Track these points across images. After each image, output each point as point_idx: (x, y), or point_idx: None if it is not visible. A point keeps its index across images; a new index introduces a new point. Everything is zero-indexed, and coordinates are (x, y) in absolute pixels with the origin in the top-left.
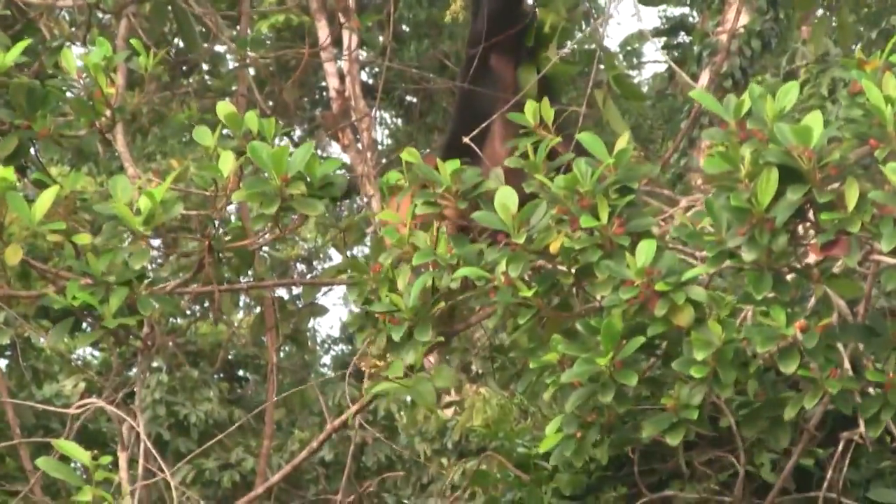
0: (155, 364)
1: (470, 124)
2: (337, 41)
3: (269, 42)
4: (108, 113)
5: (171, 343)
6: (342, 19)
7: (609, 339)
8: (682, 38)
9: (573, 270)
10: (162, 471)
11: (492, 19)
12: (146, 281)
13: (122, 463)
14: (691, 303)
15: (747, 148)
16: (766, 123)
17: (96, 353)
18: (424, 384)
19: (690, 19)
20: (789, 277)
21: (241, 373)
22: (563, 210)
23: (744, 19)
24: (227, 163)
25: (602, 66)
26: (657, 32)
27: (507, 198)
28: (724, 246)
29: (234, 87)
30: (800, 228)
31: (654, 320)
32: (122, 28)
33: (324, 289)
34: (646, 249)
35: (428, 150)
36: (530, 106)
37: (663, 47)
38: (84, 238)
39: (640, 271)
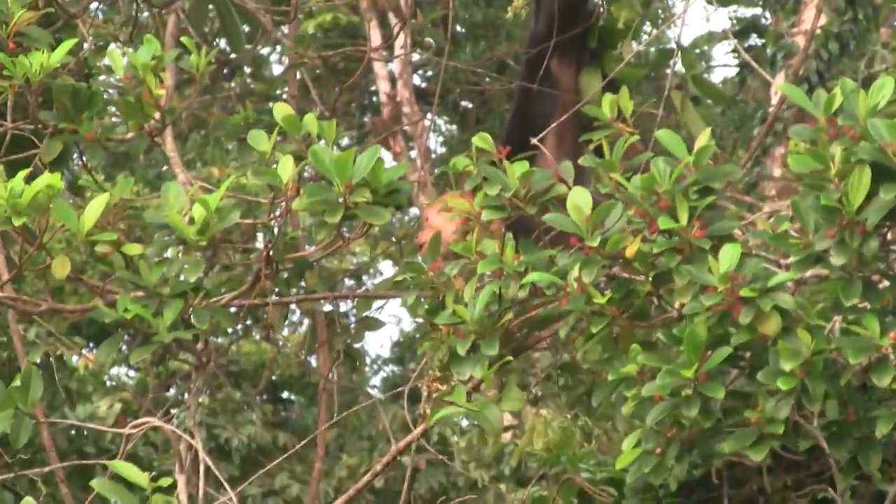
0: (192, 385)
1: (524, 130)
2: (387, 43)
3: (316, 43)
4: (157, 115)
5: (212, 363)
6: (394, 19)
7: (693, 349)
8: (754, 40)
9: (650, 276)
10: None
11: (554, 18)
12: (201, 293)
13: (182, 485)
14: (778, 310)
15: (838, 146)
16: (859, 120)
17: (131, 373)
18: (491, 409)
19: (763, 20)
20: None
21: (285, 394)
22: (640, 212)
23: (820, 20)
24: (287, 168)
25: (679, 66)
26: (727, 34)
27: (580, 199)
28: (812, 249)
29: (278, 91)
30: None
31: (739, 329)
32: (171, 24)
33: (377, 304)
34: (729, 254)
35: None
36: (607, 98)
37: (734, 50)
38: (135, 248)
39: (724, 277)
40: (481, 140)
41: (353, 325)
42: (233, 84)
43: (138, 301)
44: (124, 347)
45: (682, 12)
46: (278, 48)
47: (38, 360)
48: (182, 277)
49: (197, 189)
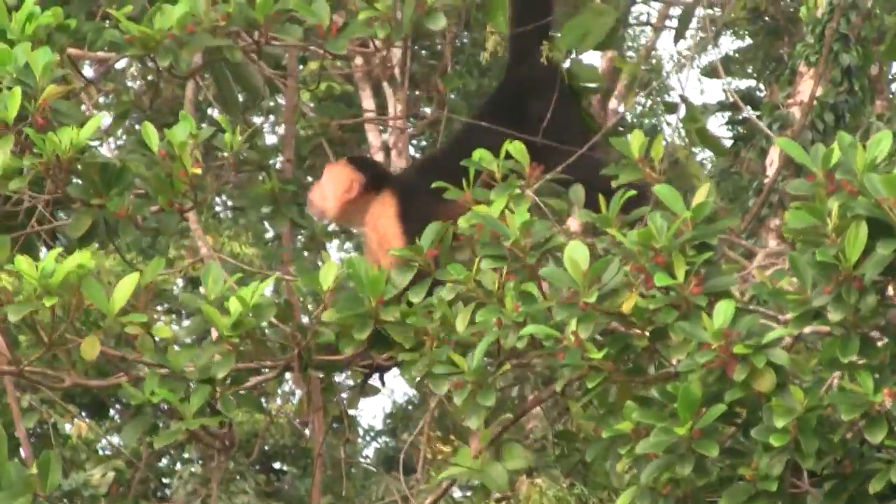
0: (186, 455)
1: (463, 155)
2: (381, 111)
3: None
4: (188, 191)
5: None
6: (388, 88)
7: (687, 406)
8: (749, 112)
9: (647, 332)
10: None
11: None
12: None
13: None
14: (772, 367)
15: (835, 200)
16: (857, 174)
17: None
18: (494, 467)
19: (758, 92)
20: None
21: (277, 465)
22: (636, 267)
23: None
24: (330, 274)
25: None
26: (722, 106)
27: (577, 253)
28: (809, 305)
29: (271, 161)
30: (890, 287)
31: (733, 386)
32: (189, 91)
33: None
34: (724, 310)
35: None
36: (636, 135)
37: (728, 122)
38: (165, 332)
39: (718, 333)
40: (516, 149)
41: (348, 392)
42: (225, 153)
43: (165, 384)
44: (117, 417)
45: (689, 61)
46: (271, 117)
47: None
48: (211, 370)
49: (234, 280)
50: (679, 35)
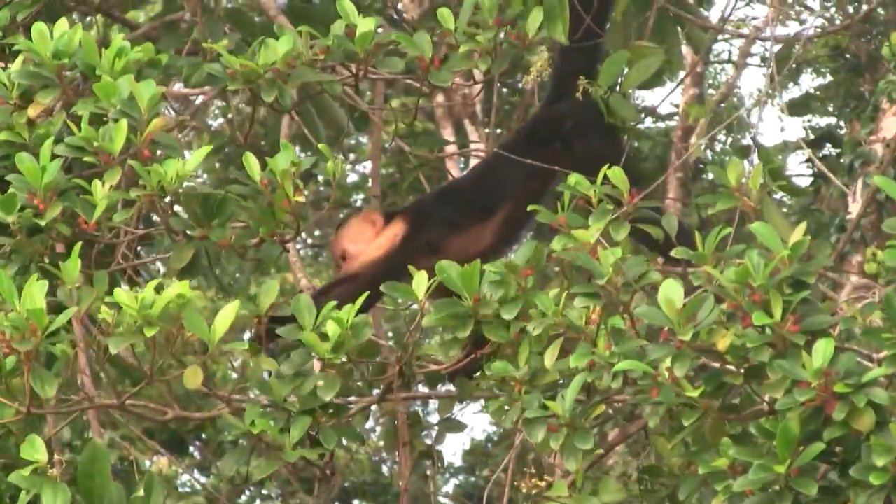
0: (265, 491)
1: (483, 184)
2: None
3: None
4: (290, 221)
5: (285, 469)
6: (469, 125)
7: (786, 444)
8: (829, 149)
9: (742, 370)
10: None
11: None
12: (329, 409)
13: None
14: (872, 405)
15: None
16: None
17: (202, 479)
18: (591, 501)
19: (838, 129)
20: None
21: (357, 502)
22: (733, 305)
23: None
24: (422, 284)
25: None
26: (774, 173)
27: (671, 291)
28: None
29: (352, 198)
30: None
31: (832, 424)
32: (285, 126)
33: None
34: (823, 349)
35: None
36: (734, 163)
37: (808, 159)
38: (270, 364)
39: (818, 372)
40: (615, 175)
41: (435, 426)
42: (306, 192)
43: (266, 415)
44: (196, 453)
45: (768, 98)
46: (351, 156)
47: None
48: (318, 394)
49: (332, 306)
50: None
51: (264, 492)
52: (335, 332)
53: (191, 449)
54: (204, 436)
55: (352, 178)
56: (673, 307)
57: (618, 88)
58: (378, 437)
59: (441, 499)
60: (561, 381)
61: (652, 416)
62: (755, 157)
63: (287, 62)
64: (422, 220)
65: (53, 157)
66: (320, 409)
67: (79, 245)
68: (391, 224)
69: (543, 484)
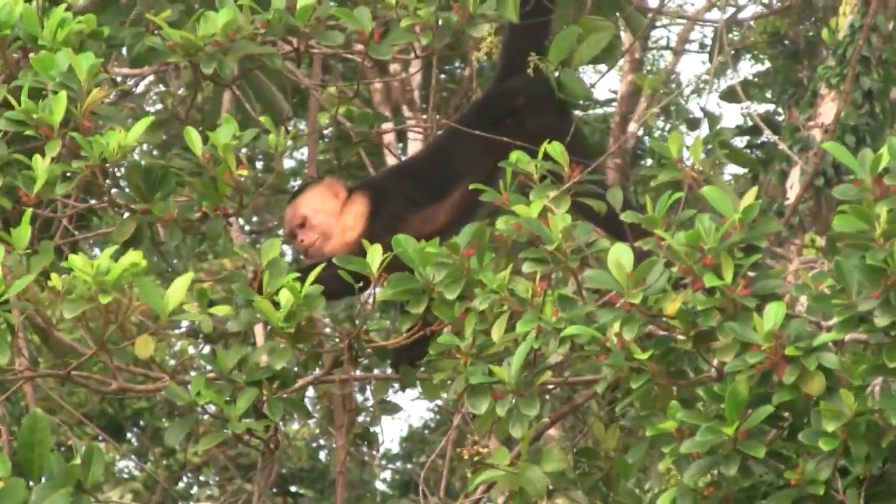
0: (202, 478)
1: (439, 161)
2: (400, 136)
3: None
4: (232, 195)
5: (221, 455)
6: (408, 111)
7: (734, 407)
8: (767, 136)
9: (691, 334)
10: None
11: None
12: (276, 381)
13: None
14: (822, 370)
15: (884, 205)
16: None
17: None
18: (533, 470)
19: (777, 117)
20: None
21: (293, 489)
22: (684, 269)
23: (835, 113)
24: (376, 257)
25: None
26: (741, 131)
27: (621, 255)
28: (856, 310)
29: (289, 184)
30: None
31: (781, 388)
32: (226, 102)
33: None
34: (774, 312)
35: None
36: (675, 136)
37: (747, 146)
38: (208, 327)
39: (769, 335)
40: (555, 150)
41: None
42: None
43: (212, 385)
44: (134, 440)
45: (710, 78)
46: (289, 142)
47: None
48: (267, 364)
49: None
50: (712, 55)
51: (202, 478)
52: (288, 301)
53: (128, 435)
54: (142, 422)
55: (288, 163)
56: (622, 271)
57: (569, 64)
58: (315, 423)
59: (378, 485)
60: (507, 353)
61: (601, 382)
62: (705, 126)
63: (227, 35)
64: (382, 195)
65: None
66: (266, 381)
67: (30, 211)
68: (352, 200)
69: (485, 451)
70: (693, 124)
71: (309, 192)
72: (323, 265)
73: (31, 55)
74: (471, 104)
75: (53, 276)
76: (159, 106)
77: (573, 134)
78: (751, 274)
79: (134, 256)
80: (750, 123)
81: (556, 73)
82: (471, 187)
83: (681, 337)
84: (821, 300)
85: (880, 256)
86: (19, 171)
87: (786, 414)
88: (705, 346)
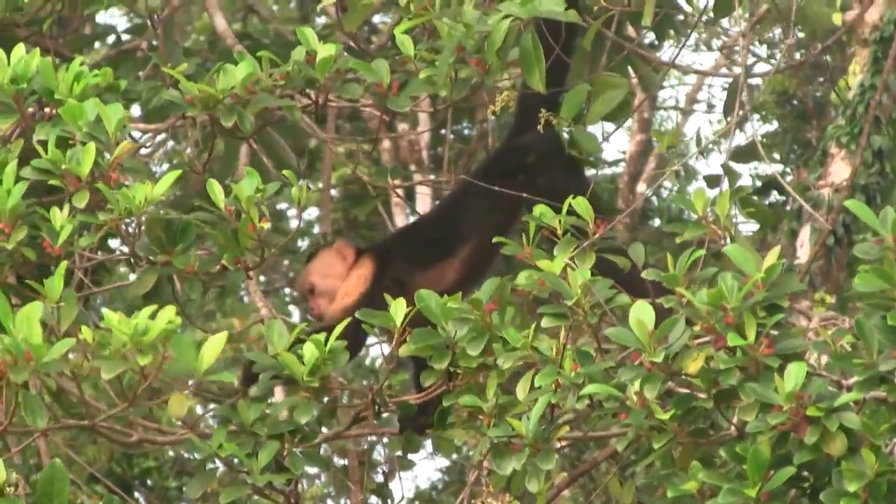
0: None
1: (446, 221)
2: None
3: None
4: (254, 247)
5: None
6: (416, 170)
7: (756, 467)
8: (775, 197)
9: (712, 393)
10: None
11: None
12: (298, 435)
13: None
14: (843, 430)
15: None
16: None
17: None
18: None
19: (785, 177)
20: None
21: None
22: (706, 327)
23: (846, 172)
24: (400, 311)
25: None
26: (744, 200)
27: (643, 313)
28: (876, 370)
29: (298, 243)
30: None
31: (803, 448)
32: (243, 155)
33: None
34: (796, 372)
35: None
36: (699, 193)
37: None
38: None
39: (790, 395)
40: (579, 205)
41: (384, 465)
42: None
43: (233, 438)
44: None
45: (731, 129)
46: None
47: None
48: (294, 418)
49: (304, 328)
50: (728, 110)
51: None
52: (312, 355)
53: (136, 495)
54: (149, 482)
55: (295, 223)
56: (644, 328)
57: (581, 121)
58: (324, 482)
59: None
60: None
61: (621, 440)
62: (725, 183)
63: (246, 87)
64: (387, 258)
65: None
66: (288, 435)
67: (64, 263)
68: (359, 263)
69: (500, 501)
70: (712, 182)
71: (318, 258)
72: (348, 320)
73: (47, 109)
74: (482, 160)
75: (84, 329)
76: (166, 165)
77: (589, 191)
78: (773, 332)
79: (168, 314)
80: (758, 184)
81: (569, 130)
82: (494, 240)
83: (701, 395)
84: (841, 359)
85: None
86: (43, 221)
87: (808, 474)
88: (726, 404)
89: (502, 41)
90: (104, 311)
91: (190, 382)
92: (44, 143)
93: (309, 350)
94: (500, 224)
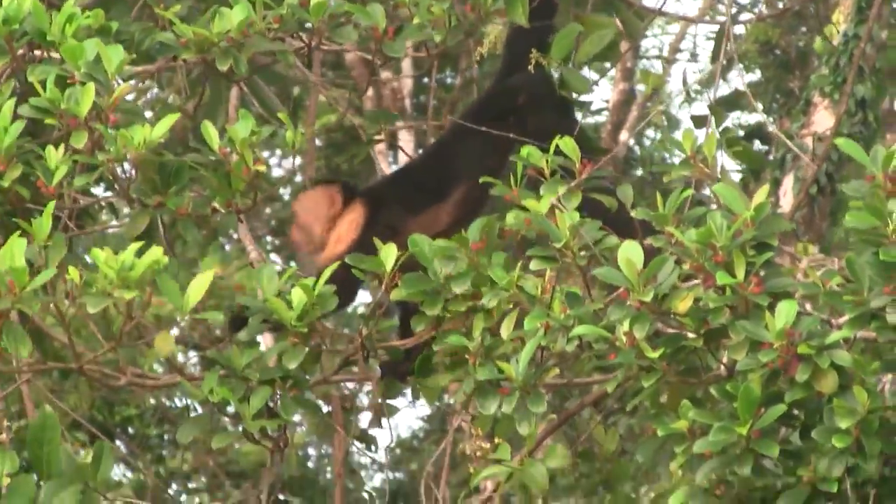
0: (192, 485)
1: (437, 165)
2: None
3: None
4: (246, 190)
5: (211, 463)
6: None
7: (747, 406)
8: (758, 145)
9: (702, 332)
10: None
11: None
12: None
13: None
14: (835, 367)
15: None
16: None
17: (129, 474)
18: (536, 466)
19: (769, 127)
20: None
21: (282, 497)
22: (695, 266)
23: (830, 121)
24: (390, 256)
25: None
26: (731, 141)
27: (631, 252)
28: (868, 307)
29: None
30: None
31: (794, 386)
32: (234, 97)
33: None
34: (786, 310)
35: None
36: (687, 133)
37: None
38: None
39: (781, 333)
40: (566, 145)
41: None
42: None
43: (225, 383)
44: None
45: (716, 73)
46: (278, 152)
47: None
48: (282, 363)
49: (293, 273)
50: (716, 56)
51: (191, 485)
52: (301, 300)
53: (117, 442)
54: (130, 429)
55: (277, 172)
56: (633, 268)
57: (571, 61)
58: (305, 430)
59: (364, 495)
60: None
61: (611, 380)
62: (713, 122)
63: (242, 31)
64: (378, 204)
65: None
66: (279, 380)
67: (52, 203)
68: (349, 209)
69: (489, 446)
70: (699, 122)
71: (307, 194)
72: (337, 264)
73: (38, 52)
74: (472, 102)
75: (72, 269)
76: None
77: (577, 132)
78: (762, 272)
79: (156, 253)
80: (741, 133)
81: (558, 71)
82: (481, 181)
83: (691, 335)
84: (832, 297)
85: (893, 252)
86: (38, 161)
87: (799, 412)
88: (715, 343)
89: None
90: (94, 250)
91: (178, 319)
92: (42, 83)
93: (297, 295)
94: (491, 166)
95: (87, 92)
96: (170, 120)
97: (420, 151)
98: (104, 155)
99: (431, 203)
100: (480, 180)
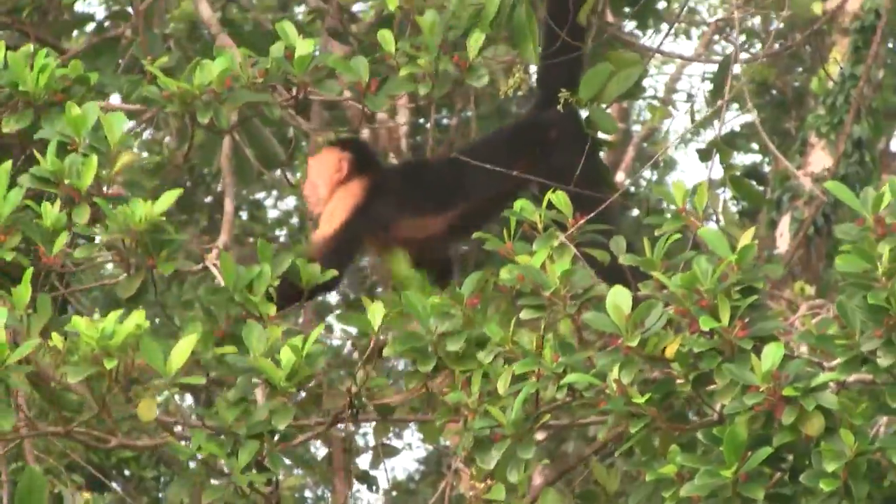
0: None
1: (453, 171)
2: None
3: None
4: None
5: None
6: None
7: (733, 449)
8: (754, 186)
9: (690, 377)
10: None
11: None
12: (277, 435)
13: None
14: (821, 410)
15: (886, 245)
16: None
17: None
18: None
19: (765, 167)
20: None
21: None
22: (681, 311)
23: (826, 161)
24: (378, 314)
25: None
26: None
27: (619, 298)
28: (858, 350)
29: (276, 232)
30: None
31: (781, 429)
32: (226, 147)
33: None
34: (772, 353)
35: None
36: (678, 185)
37: (733, 197)
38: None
39: (767, 376)
40: (558, 199)
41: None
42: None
43: (213, 439)
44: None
45: (723, 106)
46: (274, 192)
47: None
48: (271, 422)
49: (279, 332)
50: (718, 89)
51: None
52: (289, 361)
53: (113, 485)
54: (126, 472)
55: (273, 213)
56: (621, 313)
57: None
58: (301, 474)
59: None
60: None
61: (602, 427)
62: (716, 159)
63: (224, 82)
64: (380, 190)
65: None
66: (268, 435)
67: (30, 270)
68: (352, 181)
69: (482, 486)
70: (705, 156)
71: (320, 156)
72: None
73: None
74: (503, 127)
75: (55, 335)
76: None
77: (600, 173)
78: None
79: (138, 318)
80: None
81: (586, 110)
82: (474, 237)
83: (680, 380)
84: (824, 340)
85: (883, 296)
86: (38, 228)
87: (787, 456)
88: (705, 388)
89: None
90: (74, 317)
91: (157, 382)
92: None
93: (286, 354)
94: (500, 195)
95: (90, 165)
96: (172, 196)
97: (448, 150)
98: (105, 234)
99: (430, 209)
100: (474, 236)
